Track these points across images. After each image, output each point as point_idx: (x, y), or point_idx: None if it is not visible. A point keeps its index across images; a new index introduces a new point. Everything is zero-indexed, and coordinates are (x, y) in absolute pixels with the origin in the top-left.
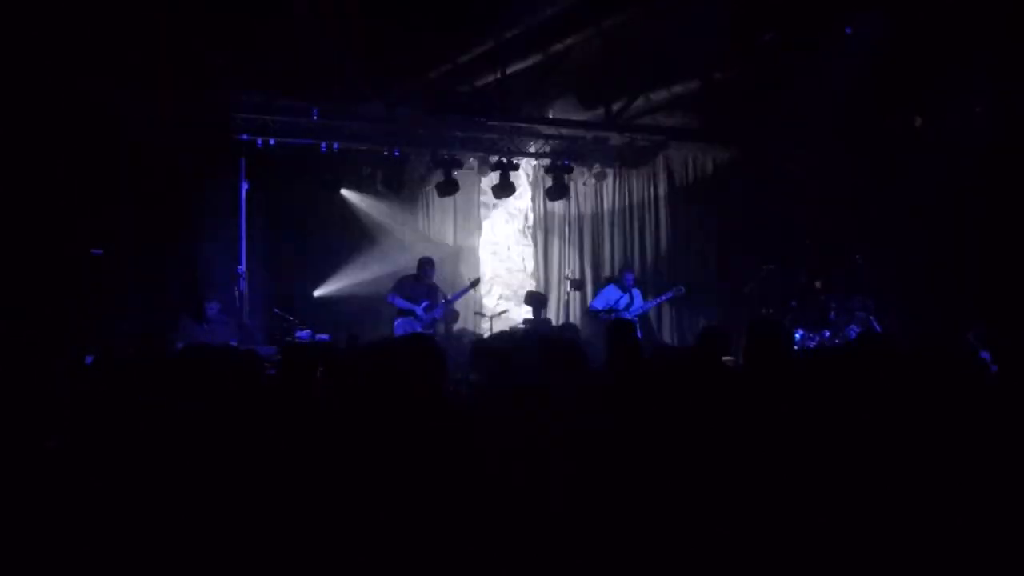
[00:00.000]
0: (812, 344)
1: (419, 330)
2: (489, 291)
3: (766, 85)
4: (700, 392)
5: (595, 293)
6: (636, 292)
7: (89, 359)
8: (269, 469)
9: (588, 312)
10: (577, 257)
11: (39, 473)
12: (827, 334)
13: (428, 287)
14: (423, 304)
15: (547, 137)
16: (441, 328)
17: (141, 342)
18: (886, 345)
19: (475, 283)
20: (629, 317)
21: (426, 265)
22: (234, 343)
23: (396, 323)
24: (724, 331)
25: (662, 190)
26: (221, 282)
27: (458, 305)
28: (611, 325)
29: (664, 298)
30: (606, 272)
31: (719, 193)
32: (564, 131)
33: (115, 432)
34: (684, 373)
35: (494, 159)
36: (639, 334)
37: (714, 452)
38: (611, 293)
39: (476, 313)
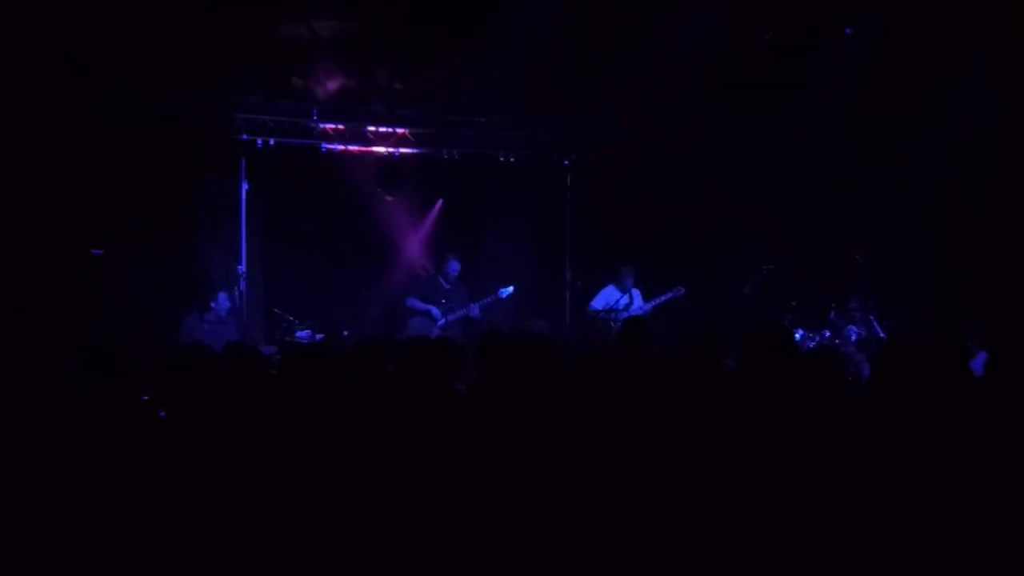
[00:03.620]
0: (812, 344)
1: (434, 332)
2: None
3: (764, 84)
4: (700, 395)
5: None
6: (636, 292)
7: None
8: (282, 470)
9: (587, 312)
10: None
11: (39, 475)
12: (827, 334)
13: (451, 288)
14: (443, 305)
15: None
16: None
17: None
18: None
19: (505, 292)
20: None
21: (448, 263)
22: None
23: (410, 324)
24: (720, 332)
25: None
26: (221, 282)
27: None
28: (624, 324)
29: (663, 299)
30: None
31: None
32: None
33: (116, 433)
34: (682, 376)
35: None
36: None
37: (718, 455)
38: (610, 293)
39: None
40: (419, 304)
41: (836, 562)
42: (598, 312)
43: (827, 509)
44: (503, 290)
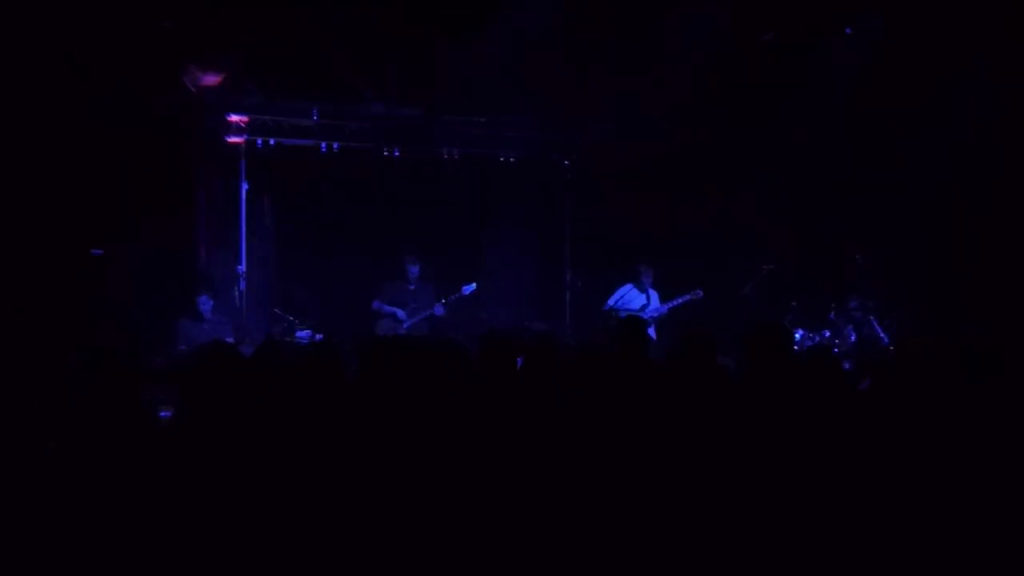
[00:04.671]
0: (811, 344)
1: (400, 332)
2: None
3: (764, 84)
4: (698, 394)
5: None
6: (653, 293)
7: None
8: (286, 469)
9: (604, 311)
10: None
11: (39, 475)
12: (827, 334)
13: (416, 288)
14: (408, 307)
15: None
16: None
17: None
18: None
19: (468, 289)
20: (645, 319)
21: (407, 263)
22: (230, 341)
23: (378, 327)
24: (709, 332)
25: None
26: (221, 282)
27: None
28: (620, 323)
29: (680, 301)
30: None
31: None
32: None
33: (116, 433)
34: (679, 375)
35: None
36: (652, 334)
37: (717, 454)
38: (628, 292)
39: None
40: (385, 307)
41: (836, 562)
42: (614, 310)
43: (826, 509)
44: (467, 287)
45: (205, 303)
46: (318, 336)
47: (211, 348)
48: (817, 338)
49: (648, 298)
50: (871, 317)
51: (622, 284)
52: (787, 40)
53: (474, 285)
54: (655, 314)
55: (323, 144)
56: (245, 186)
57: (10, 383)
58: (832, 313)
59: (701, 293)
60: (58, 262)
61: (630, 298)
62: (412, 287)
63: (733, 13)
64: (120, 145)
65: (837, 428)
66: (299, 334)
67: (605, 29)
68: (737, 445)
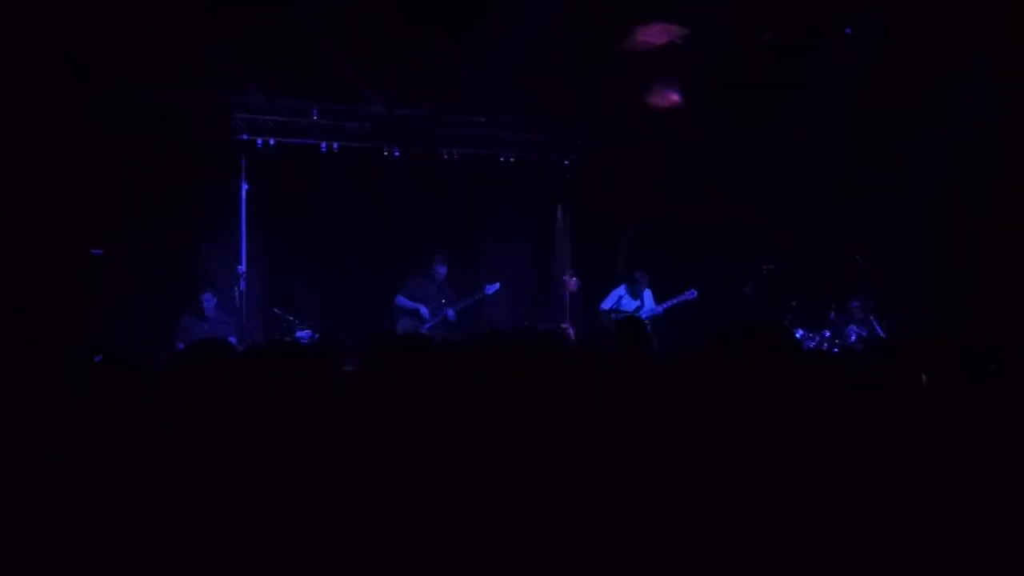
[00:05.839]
0: (811, 344)
1: (422, 331)
2: None
3: (764, 84)
4: (707, 395)
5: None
6: (647, 294)
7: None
8: (282, 471)
9: (599, 312)
10: None
11: (39, 475)
12: (827, 334)
13: (439, 287)
14: (431, 305)
15: None
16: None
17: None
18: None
19: (491, 289)
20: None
21: (436, 263)
22: (234, 341)
23: (398, 324)
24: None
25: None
26: (221, 282)
27: None
28: (621, 323)
29: (675, 301)
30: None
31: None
32: None
33: (119, 434)
34: (693, 376)
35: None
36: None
37: (720, 454)
38: (621, 295)
39: None
40: (408, 303)
41: (836, 563)
42: (609, 312)
43: (826, 510)
44: (489, 287)
45: (208, 300)
46: (318, 336)
47: (205, 346)
48: (817, 338)
49: (642, 300)
50: (871, 317)
51: (616, 286)
52: (787, 40)
53: (497, 285)
54: (649, 315)
55: (323, 144)
56: (245, 186)
57: (10, 383)
58: (832, 313)
59: (695, 293)
60: (58, 262)
61: (625, 301)
62: (436, 287)
63: (733, 13)
64: (120, 145)
65: (837, 428)
66: (299, 334)
67: (606, 28)
68: (736, 445)
